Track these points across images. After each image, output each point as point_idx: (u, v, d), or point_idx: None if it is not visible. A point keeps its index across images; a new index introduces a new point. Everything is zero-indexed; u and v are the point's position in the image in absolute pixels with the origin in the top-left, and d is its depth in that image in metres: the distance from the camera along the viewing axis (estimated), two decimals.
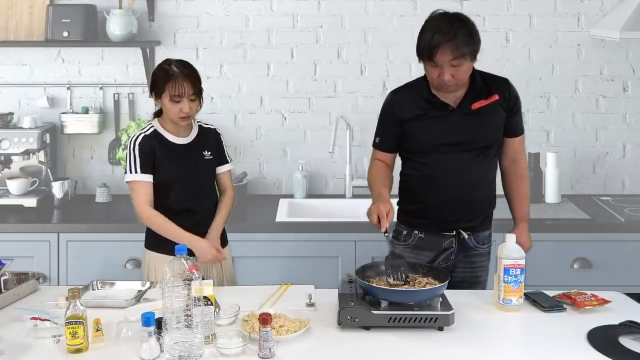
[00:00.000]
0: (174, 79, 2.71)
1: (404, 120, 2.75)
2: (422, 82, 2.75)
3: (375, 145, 2.85)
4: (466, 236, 2.76)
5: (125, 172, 2.81)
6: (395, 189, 2.85)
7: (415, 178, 2.79)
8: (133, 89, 4.08)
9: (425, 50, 2.59)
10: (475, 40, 2.61)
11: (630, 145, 4.12)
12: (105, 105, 4.09)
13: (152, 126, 2.83)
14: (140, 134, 2.81)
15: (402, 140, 2.79)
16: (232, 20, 4.08)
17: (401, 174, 2.86)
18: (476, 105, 2.72)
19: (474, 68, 2.72)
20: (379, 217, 2.56)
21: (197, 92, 2.76)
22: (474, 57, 2.62)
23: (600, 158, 4.12)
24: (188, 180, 2.83)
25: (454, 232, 2.77)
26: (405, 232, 2.82)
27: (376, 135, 2.85)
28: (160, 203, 2.80)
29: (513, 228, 2.84)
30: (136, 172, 2.77)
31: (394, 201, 2.74)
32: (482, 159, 2.74)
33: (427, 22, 2.65)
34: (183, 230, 2.77)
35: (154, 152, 2.78)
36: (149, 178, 2.78)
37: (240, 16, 4.08)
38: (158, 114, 2.88)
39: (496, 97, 2.74)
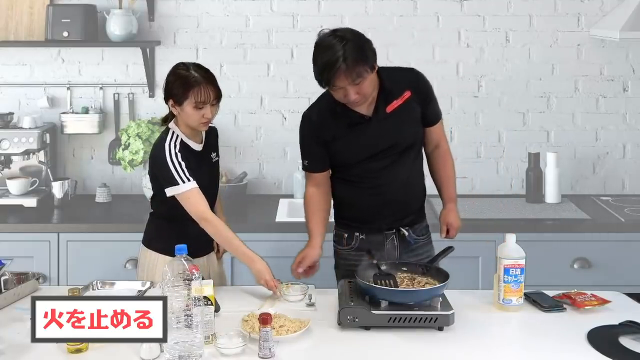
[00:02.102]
0: (197, 85, 2.62)
1: (327, 141, 2.70)
2: (331, 97, 2.67)
3: (305, 168, 2.79)
4: (406, 234, 2.76)
5: (172, 184, 2.65)
6: None
7: (345, 187, 2.77)
8: (133, 89, 4.08)
9: (323, 81, 2.53)
10: (369, 54, 2.53)
11: (630, 145, 4.12)
12: (105, 105, 4.10)
13: (177, 135, 2.73)
14: (174, 143, 2.69)
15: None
16: (232, 20, 4.08)
17: (332, 181, 2.82)
18: (390, 108, 2.67)
19: (378, 69, 2.65)
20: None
21: (219, 97, 2.68)
22: (372, 69, 2.55)
23: (600, 158, 4.12)
24: (209, 187, 2.80)
25: (394, 230, 2.77)
26: (346, 236, 2.81)
27: (303, 158, 2.78)
28: (183, 211, 2.70)
29: (442, 209, 2.85)
30: (189, 180, 2.65)
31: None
32: (408, 157, 2.73)
33: (315, 47, 2.55)
34: (246, 246, 2.71)
35: (188, 162, 2.70)
36: (196, 183, 2.69)
37: (240, 16, 4.08)
38: (167, 118, 2.80)
39: (408, 93, 2.69)
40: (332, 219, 2.89)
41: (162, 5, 4.07)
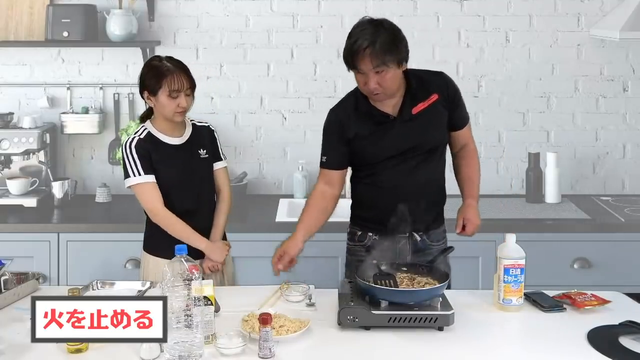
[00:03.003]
0: (170, 74, 2.70)
1: (350, 139, 2.70)
2: (358, 94, 2.69)
3: (323, 165, 2.77)
4: (419, 238, 2.75)
5: (127, 177, 2.77)
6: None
7: (364, 186, 2.77)
8: (133, 89, 4.08)
9: (348, 58, 2.56)
10: (400, 48, 2.54)
11: (630, 145, 4.12)
12: (105, 105, 4.10)
13: (145, 128, 2.81)
14: (135, 137, 2.78)
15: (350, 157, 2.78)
16: (232, 20, 4.08)
17: (351, 180, 2.84)
18: (416, 110, 2.67)
19: (407, 69, 2.66)
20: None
21: (192, 86, 2.76)
22: (400, 65, 2.56)
23: (600, 158, 4.12)
24: (186, 181, 2.82)
25: (407, 234, 2.74)
26: (359, 233, 2.81)
27: (323, 154, 2.76)
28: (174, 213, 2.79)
29: (461, 206, 2.79)
30: (139, 174, 2.74)
31: (347, 203, 2.83)
32: (430, 161, 2.71)
33: (353, 28, 2.60)
34: (199, 234, 2.81)
35: (149, 156, 2.76)
36: (153, 178, 2.76)
37: (240, 16, 4.08)
38: (145, 116, 2.87)
39: (435, 96, 2.69)
40: (346, 219, 2.89)
41: (162, 5, 4.07)
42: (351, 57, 2.55)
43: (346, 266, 2.89)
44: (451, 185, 2.87)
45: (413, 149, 2.68)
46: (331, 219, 3.71)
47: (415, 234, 2.75)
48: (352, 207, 2.87)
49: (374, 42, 2.50)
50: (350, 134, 2.70)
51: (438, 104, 2.70)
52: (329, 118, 2.77)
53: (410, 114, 2.67)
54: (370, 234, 2.78)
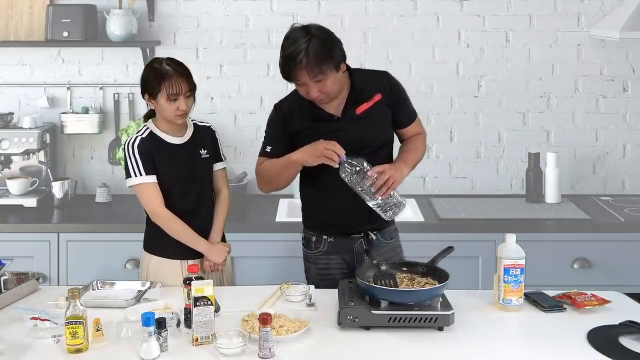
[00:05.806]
0: (168, 77, 2.70)
1: (293, 134, 2.69)
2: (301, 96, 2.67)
3: (265, 154, 2.73)
4: (374, 238, 2.76)
5: (128, 177, 2.77)
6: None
7: (314, 191, 2.77)
8: (133, 89, 4.08)
9: (284, 71, 2.54)
10: (335, 52, 2.52)
11: (630, 145, 4.12)
12: (105, 105, 4.10)
13: (148, 128, 2.81)
14: (137, 136, 2.78)
15: None
16: (232, 20, 4.08)
17: (300, 185, 2.84)
18: (360, 110, 2.67)
19: (350, 69, 2.67)
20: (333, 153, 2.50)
21: (192, 89, 2.76)
22: (337, 69, 2.54)
23: (600, 158, 4.12)
24: (188, 180, 2.82)
25: (362, 234, 2.76)
26: (314, 239, 2.80)
27: (266, 144, 2.74)
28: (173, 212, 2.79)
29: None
30: (141, 174, 2.74)
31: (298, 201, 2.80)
32: (377, 159, 2.66)
33: (284, 39, 2.56)
34: (199, 236, 2.81)
35: (152, 155, 2.76)
36: (154, 179, 2.76)
37: (240, 16, 4.08)
38: (149, 115, 2.87)
39: (379, 96, 2.69)
40: (299, 219, 2.89)
41: (162, 5, 4.07)
42: (287, 71, 2.53)
43: (306, 273, 2.87)
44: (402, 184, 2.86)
45: (359, 149, 2.63)
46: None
47: (371, 234, 2.77)
48: (304, 210, 2.86)
49: (308, 52, 2.47)
50: (293, 130, 2.69)
51: (382, 104, 2.70)
52: (274, 111, 2.78)
53: (354, 114, 2.67)
54: (325, 236, 2.78)
